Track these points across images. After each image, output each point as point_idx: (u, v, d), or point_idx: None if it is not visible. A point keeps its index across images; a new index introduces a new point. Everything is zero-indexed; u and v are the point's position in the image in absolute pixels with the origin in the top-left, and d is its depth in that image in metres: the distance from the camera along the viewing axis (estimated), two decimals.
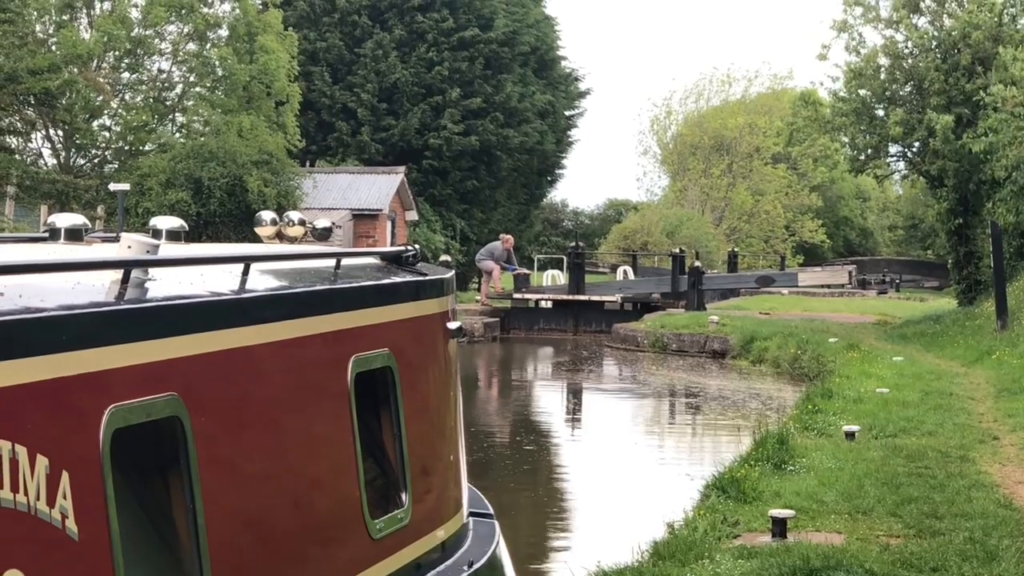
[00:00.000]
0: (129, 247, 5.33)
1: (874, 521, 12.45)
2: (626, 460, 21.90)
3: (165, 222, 6.79)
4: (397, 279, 7.36)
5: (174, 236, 6.70)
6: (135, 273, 5.12)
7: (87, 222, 6.53)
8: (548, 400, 32.54)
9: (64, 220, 6.39)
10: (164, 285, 5.26)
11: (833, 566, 10.46)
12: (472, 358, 38.26)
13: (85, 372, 4.45)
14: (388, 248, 9.38)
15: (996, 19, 38.62)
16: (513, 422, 27.04)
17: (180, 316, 5.13)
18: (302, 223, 8.14)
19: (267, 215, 8.24)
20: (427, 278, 7.58)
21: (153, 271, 5.30)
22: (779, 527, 11.71)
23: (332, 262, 6.91)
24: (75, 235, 6.30)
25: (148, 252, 5.32)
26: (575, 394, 33.05)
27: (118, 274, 5.03)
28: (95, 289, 4.86)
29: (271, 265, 6.50)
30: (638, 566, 11.63)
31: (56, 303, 4.46)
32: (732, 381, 32.94)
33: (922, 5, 40.49)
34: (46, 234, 6.61)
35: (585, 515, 17.76)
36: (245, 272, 5.78)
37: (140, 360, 4.77)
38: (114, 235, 6.47)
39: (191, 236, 7.78)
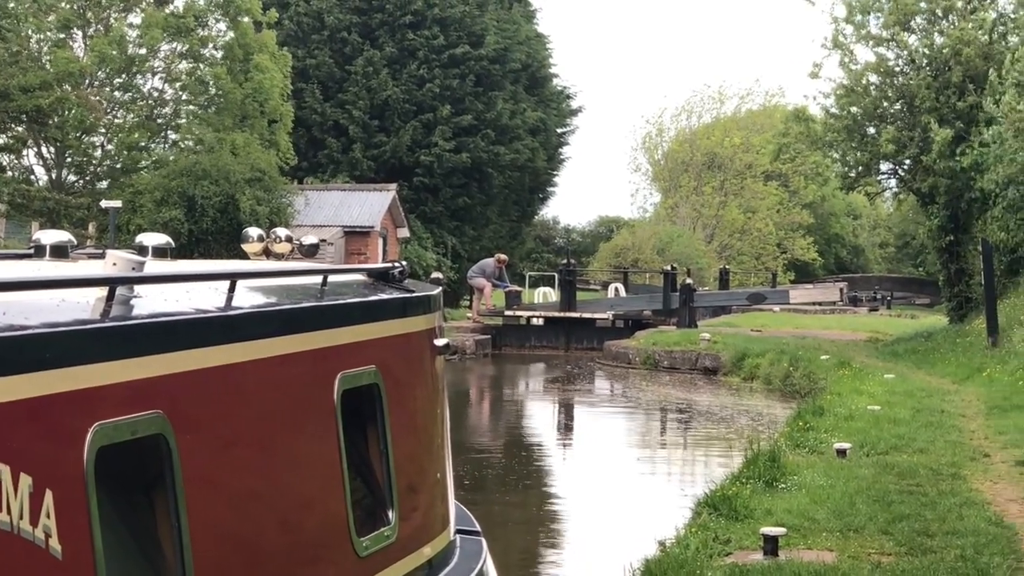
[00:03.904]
0: (114, 264, 5.29)
1: (866, 539, 12.42)
2: (617, 477, 21.85)
3: (151, 239, 6.72)
4: (384, 296, 7.31)
5: (160, 253, 6.64)
6: (120, 290, 5.08)
7: (72, 239, 6.47)
8: (539, 417, 32.48)
9: (49, 237, 6.34)
10: (150, 302, 5.22)
11: None
12: (464, 375, 38.23)
13: (69, 390, 4.40)
14: (375, 265, 9.32)
15: (987, 36, 38.62)
16: (504, 439, 27.00)
17: (165, 333, 5.09)
18: (289, 240, 8.10)
19: (254, 231, 8.19)
20: (414, 295, 7.54)
21: (139, 288, 5.25)
22: (771, 545, 11.69)
23: (319, 279, 6.87)
24: (60, 252, 6.24)
25: (134, 269, 5.28)
26: (566, 411, 32.99)
27: (103, 291, 4.99)
28: (80, 306, 4.82)
29: (257, 282, 6.46)
30: None
31: (40, 320, 4.41)
32: (723, 398, 32.91)
33: (913, 23, 40.52)
34: (31, 251, 6.56)
35: (576, 532, 17.71)
36: (231, 289, 5.73)
37: (125, 378, 4.73)
38: (100, 252, 6.41)
39: (183, 253, 7.75)
